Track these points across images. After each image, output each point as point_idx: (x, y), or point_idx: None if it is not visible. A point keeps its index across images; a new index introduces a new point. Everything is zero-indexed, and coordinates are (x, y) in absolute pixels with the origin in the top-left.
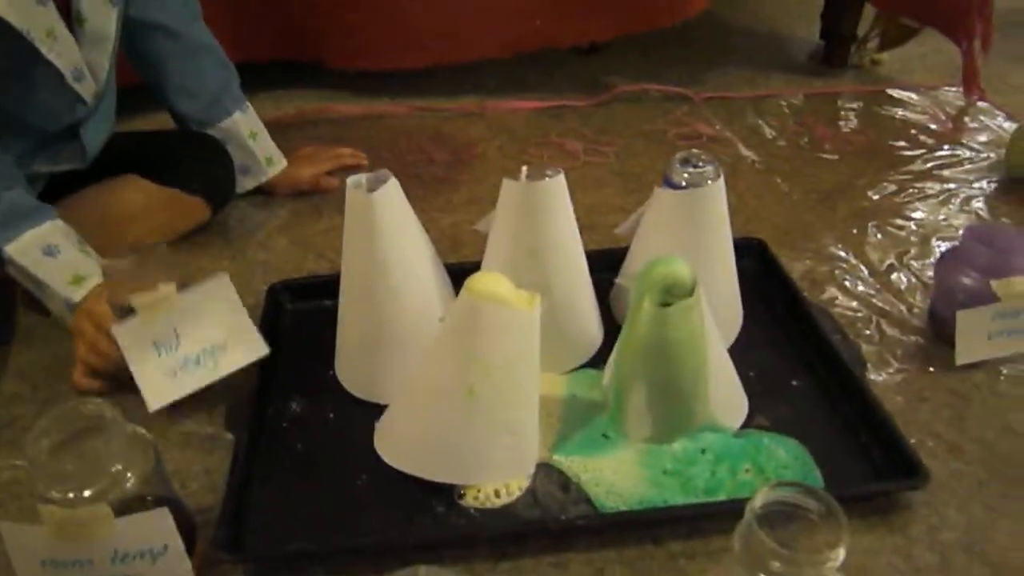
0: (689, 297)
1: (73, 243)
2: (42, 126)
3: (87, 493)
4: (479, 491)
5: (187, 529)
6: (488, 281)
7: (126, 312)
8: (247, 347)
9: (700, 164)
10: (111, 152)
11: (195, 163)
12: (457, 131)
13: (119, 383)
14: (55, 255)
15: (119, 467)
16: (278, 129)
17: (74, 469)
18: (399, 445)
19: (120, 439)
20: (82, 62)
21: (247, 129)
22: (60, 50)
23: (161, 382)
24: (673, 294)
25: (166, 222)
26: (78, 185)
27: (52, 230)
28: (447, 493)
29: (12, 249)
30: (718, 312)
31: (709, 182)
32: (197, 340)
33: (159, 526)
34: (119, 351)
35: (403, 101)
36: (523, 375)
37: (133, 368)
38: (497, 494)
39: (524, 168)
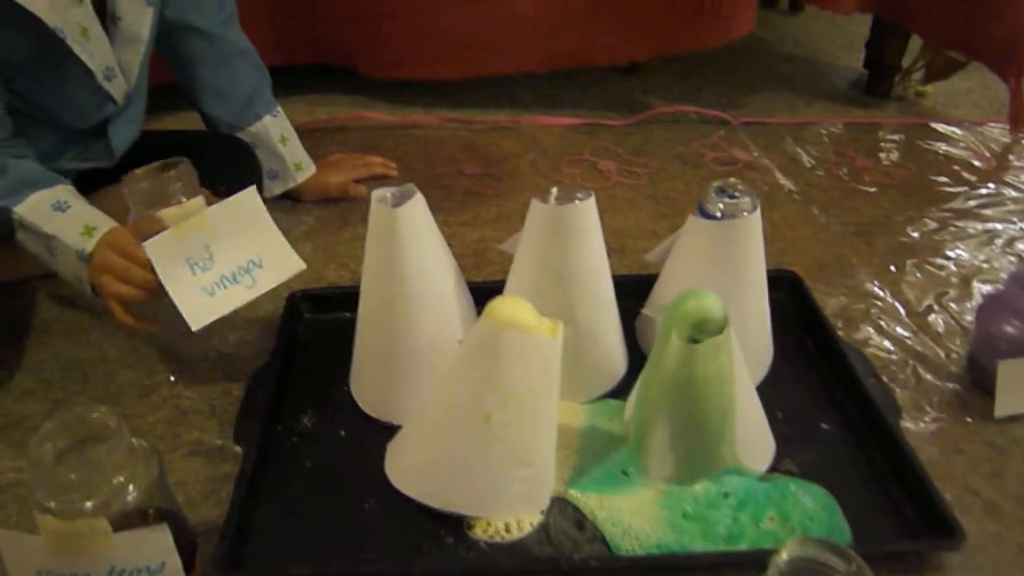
0: (719, 334)
1: (84, 201)
2: (71, 123)
3: (88, 505)
4: (488, 524)
5: (187, 545)
6: (510, 306)
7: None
8: (283, 263)
9: (736, 194)
10: (139, 151)
11: (223, 166)
12: (489, 144)
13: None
14: (65, 210)
15: (121, 479)
16: (309, 134)
17: (75, 479)
18: (409, 470)
19: (123, 449)
20: (114, 61)
21: (277, 134)
22: (92, 49)
23: (199, 301)
24: (703, 330)
25: None
26: (105, 183)
27: (62, 191)
28: (457, 523)
29: (21, 209)
30: (748, 349)
31: (745, 214)
32: (231, 257)
33: (158, 543)
34: (153, 276)
35: (436, 111)
36: (542, 405)
37: (169, 287)
38: (507, 528)
39: (553, 189)
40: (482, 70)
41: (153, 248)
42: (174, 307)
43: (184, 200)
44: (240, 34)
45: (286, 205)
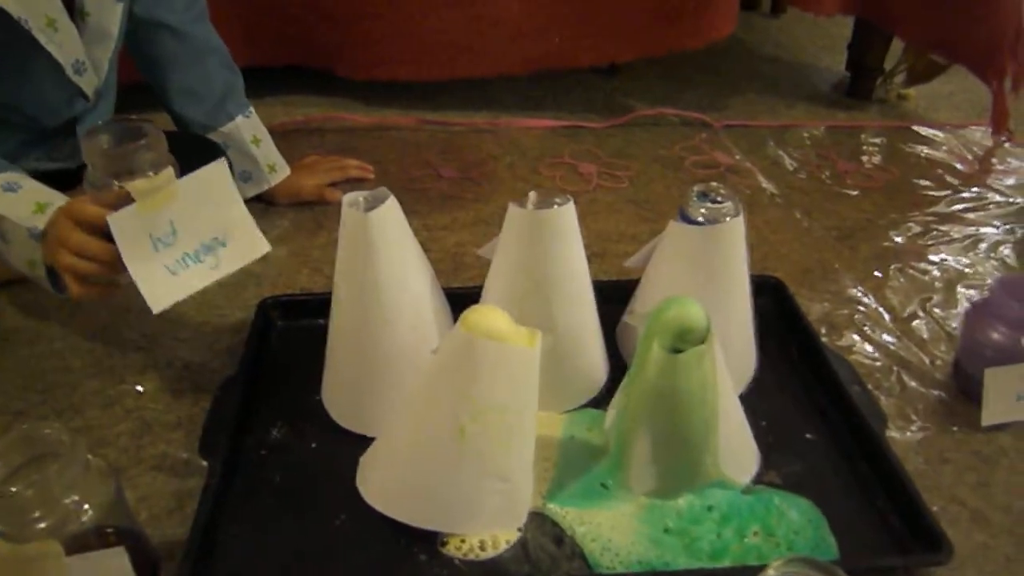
0: (702, 344)
1: (37, 183)
2: (39, 120)
3: (40, 526)
4: (463, 541)
5: (147, 565)
6: (485, 315)
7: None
8: (248, 243)
9: (719, 199)
10: None
11: (194, 167)
12: (468, 147)
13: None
14: (16, 190)
15: (75, 498)
16: (284, 136)
17: (27, 499)
18: (382, 485)
19: (78, 467)
20: (84, 55)
21: (250, 135)
22: (60, 41)
23: (162, 282)
24: (685, 339)
25: None
26: (71, 185)
27: (13, 175)
28: (431, 540)
29: None
30: (731, 357)
31: (728, 219)
32: (195, 234)
33: (114, 566)
34: (113, 250)
35: (414, 113)
36: (519, 418)
37: (130, 265)
38: (482, 546)
39: (531, 194)
40: (463, 72)
41: (117, 222)
42: (134, 295)
43: (153, 173)
44: (211, 32)
45: (259, 208)
